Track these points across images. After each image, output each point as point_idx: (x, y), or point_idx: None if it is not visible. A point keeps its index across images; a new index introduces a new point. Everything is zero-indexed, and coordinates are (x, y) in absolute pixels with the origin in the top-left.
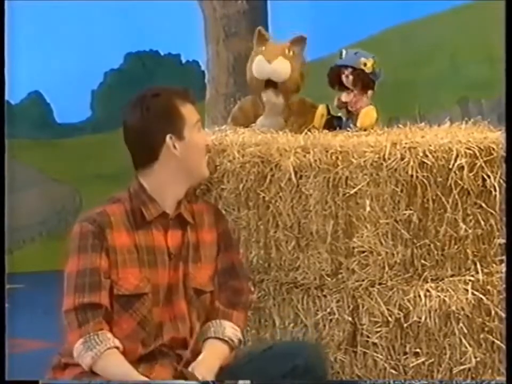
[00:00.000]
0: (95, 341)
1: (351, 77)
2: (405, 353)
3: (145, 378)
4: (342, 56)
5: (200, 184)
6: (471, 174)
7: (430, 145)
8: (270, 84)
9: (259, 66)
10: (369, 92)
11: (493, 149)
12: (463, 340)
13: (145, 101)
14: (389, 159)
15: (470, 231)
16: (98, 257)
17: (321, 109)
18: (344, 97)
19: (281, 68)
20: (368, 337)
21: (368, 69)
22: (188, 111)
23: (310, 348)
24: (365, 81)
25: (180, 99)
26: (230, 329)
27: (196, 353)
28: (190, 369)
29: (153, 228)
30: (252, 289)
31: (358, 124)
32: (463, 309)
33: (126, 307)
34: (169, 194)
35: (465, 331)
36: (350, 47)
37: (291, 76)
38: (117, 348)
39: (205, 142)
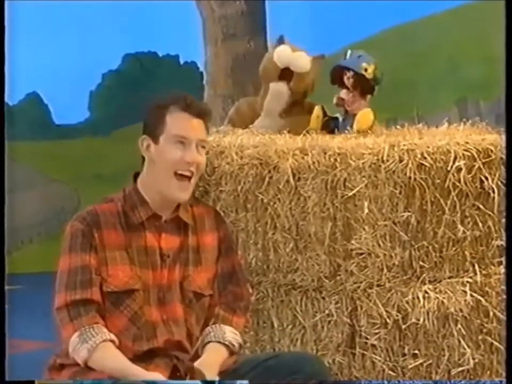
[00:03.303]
0: (90, 333)
1: (351, 80)
2: (404, 355)
3: (142, 370)
4: (346, 56)
5: (198, 185)
6: (469, 176)
7: (428, 147)
8: (283, 77)
9: (282, 52)
10: (368, 96)
11: (491, 150)
12: (462, 341)
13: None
14: (387, 161)
15: (468, 232)
16: (88, 255)
17: (316, 110)
18: (343, 94)
19: (303, 59)
20: (366, 338)
21: (368, 75)
22: (176, 121)
23: (314, 362)
24: (364, 86)
25: (176, 106)
26: (230, 334)
27: (195, 357)
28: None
29: (147, 229)
30: (250, 291)
31: (355, 127)
32: (461, 311)
33: (116, 304)
34: (158, 197)
35: (464, 332)
36: (353, 47)
37: (306, 75)
38: (113, 341)
39: (183, 160)
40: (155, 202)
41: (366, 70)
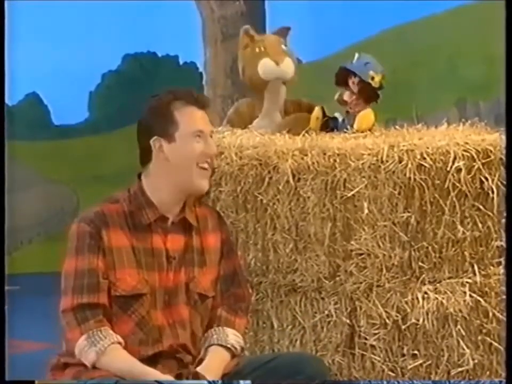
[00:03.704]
0: (98, 336)
1: (357, 86)
2: (403, 355)
3: (153, 370)
4: (353, 59)
5: None
6: (468, 176)
7: (428, 148)
8: None
9: (267, 68)
10: (371, 104)
11: (491, 151)
12: (461, 342)
13: (148, 101)
14: (387, 161)
15: (467, 233)
16: (96, 258)
17: (316, 111)
18: (347, 96)
19: (289, 69)
20: (366, 339)
21: (375, 84)
22: (187, 116)
23: (315, 362)
24: (369, 94)
25: (181, 102)
26: (233, 337)
27: (198, 359)
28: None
29: (153, 230)
30: (250, 291)
31: (355, 126)
32: (460, 311)
33: (124, 308)
34: (166, 198)
35: (463, 333)
36: (352, 48)
37: (294, 72)
38: (120, 343)
39: (204, 152)
40: (162, 203)
41: (373, 78)
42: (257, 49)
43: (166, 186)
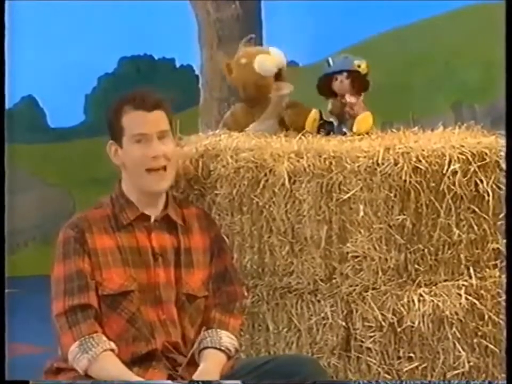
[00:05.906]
0: (90, 343)
1: (347, 81)
2: (399, 358)
3: (142, 379)
4: (330, 64)
5: (193, 189)
6: (464, 179)
7: (423, 150)
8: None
9: (265, 62)
10: (363, 94)
11: (486, 154)
12: (457, 345)
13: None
14: (383, 164)
15: (463, 236)
16: (82, 260)
17: (313, 113)
18: (349, 97)
19: (280, 54)
20: (361, 341)
21: (363, 70)
22: (131, 121)
23: (311, 363)
24: (362, 83)
25: (129, 106)
26: (227, 338)
27: (191, 361)
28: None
29: (136, 229)
30: (246, 294)
31: (354, 129)
32: (456, 314)
33: (113, 306)
34: (140, 198)
35: (459, 336)
36: (349, 50)
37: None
38: (112, 350)
39: (146, 155)
40: (141, 202)
41: (359, 66)
42: (242, 60)
43: (133, 188)
